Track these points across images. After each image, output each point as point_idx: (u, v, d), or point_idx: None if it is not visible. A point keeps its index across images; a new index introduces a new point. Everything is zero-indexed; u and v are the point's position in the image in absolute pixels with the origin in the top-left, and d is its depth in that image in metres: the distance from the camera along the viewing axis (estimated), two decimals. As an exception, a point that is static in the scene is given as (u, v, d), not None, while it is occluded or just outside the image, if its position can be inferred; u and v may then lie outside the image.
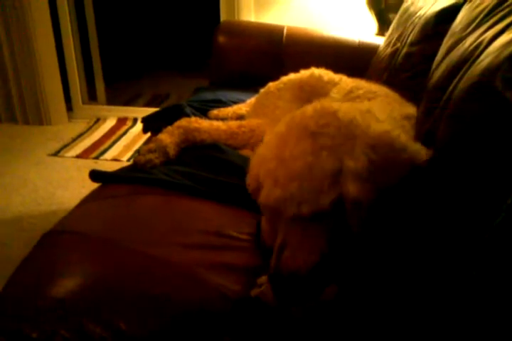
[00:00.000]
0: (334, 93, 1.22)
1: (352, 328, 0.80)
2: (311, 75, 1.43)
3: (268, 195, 0.78)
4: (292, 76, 1.50)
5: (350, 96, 1.18)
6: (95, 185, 1.26)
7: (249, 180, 0.89)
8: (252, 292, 0.84)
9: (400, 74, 1.36)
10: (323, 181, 0.73)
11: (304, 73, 1.46)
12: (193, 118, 1.43)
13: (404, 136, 0.78)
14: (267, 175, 0.79)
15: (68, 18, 3.13)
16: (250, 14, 2.67)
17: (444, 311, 0.69)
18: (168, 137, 1.33)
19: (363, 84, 1.23)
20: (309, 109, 0.82)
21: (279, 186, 0.75)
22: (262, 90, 1.56)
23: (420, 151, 0.79)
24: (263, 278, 0.87)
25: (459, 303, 0.65)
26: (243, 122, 1.42)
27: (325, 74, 1.41)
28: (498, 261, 0.58)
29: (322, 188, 0.73)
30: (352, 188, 0.72)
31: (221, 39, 2.15)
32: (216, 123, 1.40)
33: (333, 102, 0.85)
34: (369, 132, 0.75)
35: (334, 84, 1.31)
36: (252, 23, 2.55)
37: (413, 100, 1.01)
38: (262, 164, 0.81)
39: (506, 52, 0.72)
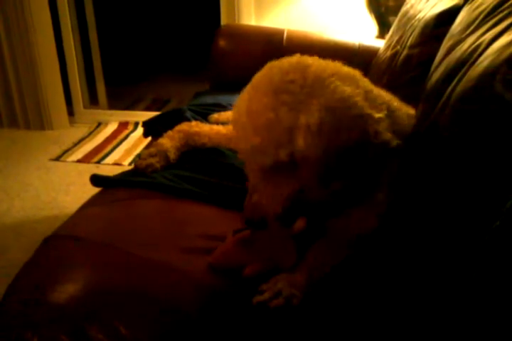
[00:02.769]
0: None
1: (349, 328, 0.80)
2: None
3: (236, 147, 0.86)
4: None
5: None
6: (96, 190, 1.27)
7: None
8: (254, 299, 0.84)
9: (399, 77, 1.36)
10: (281, 135, 0.78)
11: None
12: (194, 123, 1.43)
13: (367, 109, 0.81)
14: (238, 126, 0.85)
15: (69, 23, 3.14)
16: (251, 18, 2.68)
17: (443, 311, 0.68)
18: (168, 141, 1.33)
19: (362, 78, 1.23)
20: (287, 61, 0.86)
21: (244, 139, 0.82)
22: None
23: (382, 121, 0.82)
24: (264, 285, 0.87)
25: (457, 304, 0.65)
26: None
27: None
28: (497, 264, 0.57)
29: (280, 142, 0.78)
30: (300, 142, 0.77)
31: (221, 43, 2.15)
32: (216, 127, 1.40)
33: (312, 58, 0.88)
34: (329, 93, 0.79)
35: None
36: (252, 26, 2.56)
37: (413, 102, 1.01)
38: (237, 114, 0.86)
39: (505, 54, 0.72)
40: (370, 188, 0.90)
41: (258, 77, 0.86)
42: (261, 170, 0.83)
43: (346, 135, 0.78)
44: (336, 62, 0.89)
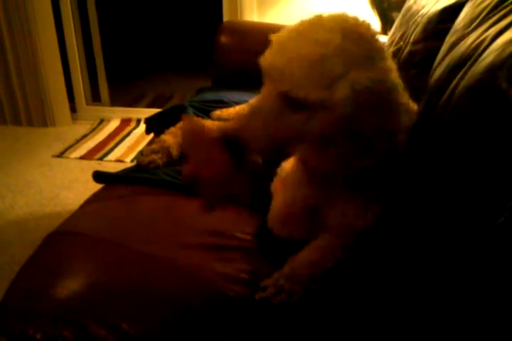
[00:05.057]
0: None
1: (349, 325, 0.80)
2: None
3: (267, 63, 0.78)
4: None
5: None
6: (99, 186, 1.27)
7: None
8: (257, 295, 0.84)
9: (403, 73, 1.35)
10: (325, 77, 0.73)
11: None
12: (196, 119, 1.43)
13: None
14: (285, 44, 0.78)
15: (71, 20, 3.13)
16: (253, 14, 2.67)
17: (445, 308, 0.68)
18: (171, 138, 1.33)
19: None
20: (353, 17, 0.84)
21: (285, 59, 0.75)
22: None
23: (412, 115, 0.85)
24: (266, 281, 0.87)
25: (460, 302, 0.64)
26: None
27: None
28: (501, 260, 0.57)
29: (319, 83, 0.73)
30: (340, 91, 0.73)
31: (223, 39, 2.14)
32: (218, 124, 1.40)
33: None
34: (385, 68, 0.79)
35: None
36: (254, 23, 2.55)
37: (416, 99, 1.01)
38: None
39: (509, 50, 0.72)
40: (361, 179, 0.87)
41: (307, 20, 0.82)
42: (274, 96, 0.76)
43: (382, 105, 0.77)
44: None
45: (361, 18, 0.84)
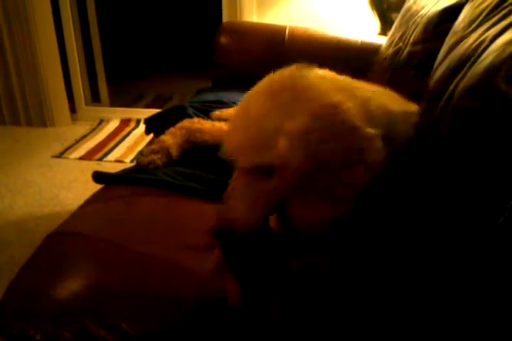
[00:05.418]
0: None
1: (348, 324, 0.80)
2: None
3: (227, 144, 0.84)
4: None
5: None
6: (98, 187, 1.27)
7: None
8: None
9: (402, 74, 1.35)
10: (266, 138, 0.76)
11: None
12: (196, 120, 1.43)
13: (359, 117, 0.78)
14: (231, 123, 0.85)
15: (71, 20, 3.13)
16: (252, 15, 2.67)
17: (445, 308, 0.68)
18: (170, 138, 1.33)
19: (366, 86, 1.22)
20: (288, 70, 0.85)
21: (233, 136, 0.81)
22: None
23: (374, 139, 0.77)
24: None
25: (460, 302, 0.64)
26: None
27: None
28: (500, 260, 0.57)
29: (265, 144, 0.76)
30: (281, 145, 0.75)
31: (223, 40, 2.15)
32: (218, 124, 1.40)
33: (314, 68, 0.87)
34: (319, 100, 0.77)
35: None
36: (254, 23, 2.55)
37: (415, 99, 1.01)
38: (234, 113, 0.86)
39: (509, 51, 0.72)
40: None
41: (262, 81, 0.86)
42: (243, 173, 0.80)
43: (330, 145, 0.75)
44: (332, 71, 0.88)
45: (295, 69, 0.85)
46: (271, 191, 0.79)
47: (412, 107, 1.02)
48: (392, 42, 1.56)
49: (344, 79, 0.85)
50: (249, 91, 0.85)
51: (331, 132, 0.75)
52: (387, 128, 0.83)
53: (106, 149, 2.84)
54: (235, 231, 0.79)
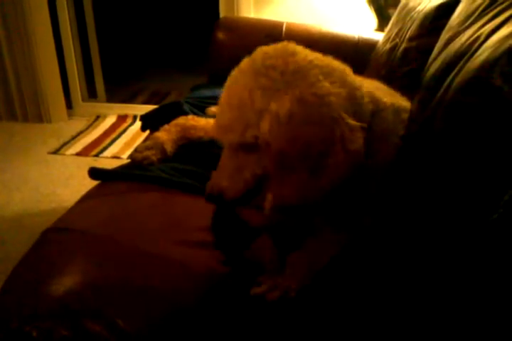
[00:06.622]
0: None
1: (346, 323, 0.80)
2: None
3: (216, 122, 0.88)
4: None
5: None
6: (95, 183, 1.27)
7: None
8: (252, 291, 0.84)
9: (398, 70, 1.35)
10: (251, 116, 0.80)
11: None
12: (190, 116, 1.44)
13: (344, 106, 0.80)
14: (219, 104, 0.87)
15: (67, 16, 3.12)
16: (249, 10, 2.66)
17: (441, 306, 0.68)
18: (165, 134, 1.33)
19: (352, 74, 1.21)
20: (274, 46, 0.87)
21: (219, 115, 0.86)
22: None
23: (355, 130, 0.80)
24: (262, 277, 0.87)
25: (456, 299, 0.65)
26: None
27: None
28: (495, 257, 0.57)
29: (248, 122, 0.80)
30: (265, 127, 0.79)
31: (220, 35, 2.14)
32: (213, 121, 1.40)
33: (301, 47, 0.87)
34: (306, 86, 0.79)
35: None
36: (251, 19, 2.54)
37: (410, 94, 1.01)
38: (221, 94, 0.88)
39: (504, 47, 0.72)
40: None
41: (245, 59, 0.88)
42: (229, 149, 0.85)
43: (312, 131, 0.77)
44: (328, 56, 0.88)
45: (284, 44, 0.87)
46: (253, 164, 0.84)
47: (404, 102, 1.02)
48: (388, 38, 1.56)
49: (333, 64, 0.85)
50: (238, 68, 0.87)
51: (313, 119, 0.78)
52: (371, 118, 0.87)
53: (103, 145, 2.84)
54: (223, 197, 0.85)
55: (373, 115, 0.88)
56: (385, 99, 0.94)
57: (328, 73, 0.81)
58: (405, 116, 0.96)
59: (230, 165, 0.85)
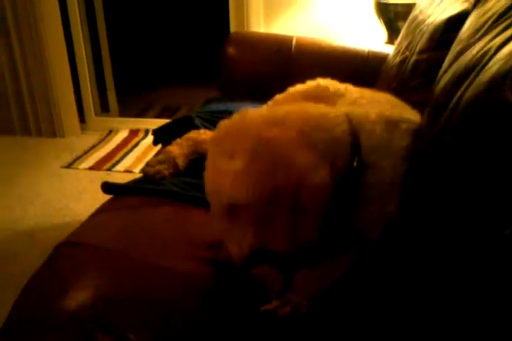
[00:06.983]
0: (339, 105, 1.22)
1: (354, 334, 0.79)
2: (317, 86, 1.41)
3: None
4: (299, 87, 1.49)
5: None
6: (108, 197, 1.27)
7: None
8: (262, 307, 0.84)
9: (408, 83, 1.35)
10: (220, 181, 0.81)
11: (310, 84, 1.44)
12: (202, 131, 1.44)
13: (296, 144, 0.80)
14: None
15: (81, 32, 3.17)
16: (259, 25, 2.69)
17: (451, 318, 0.68)
18: (177, 149, 1.34)
19: (366, 94, 1.22)
20: (233, 117, 0.90)
21: (208, 181, 0.86)
22: (269, 102, 1.56)
23: (313, 165, 0.79)
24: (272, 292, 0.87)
25: (465, 311, 0.64)
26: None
27: (331, 84, 1.38)
28: (507, 271, 0.57)
29: (218, 188, 0.82)
30: (226, 186, 0.80)
31: (230, 50, 2.16)
32: None
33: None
34: (251, 136, 0.80)
35: (339, 95, 1.30)
36: (261, 33, 2.57)
37: (421, 108, 1.01)
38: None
39: (514, 60, 0.72)
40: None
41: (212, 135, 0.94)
42: (220, 216, 0.85)
43: (274, 176, 0.77)
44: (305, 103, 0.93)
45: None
46: (244, 230, 0.82)
47: (409, 113, 1.02)
48: (398, 51, 1.57)
49: (282, 110, 0.88)
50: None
51: (268, 165, 0.78)
52: (352, 136, 0.87)
53: (115, 159, 2.86)
54: (232, 263, 0.85)
55: (356, 133, 0.88)
56: (371, 113, 0.94)
57: (272, 120, 0.84)
58: (405, 126, 0.96)
59: (227, 236, 0.86)
